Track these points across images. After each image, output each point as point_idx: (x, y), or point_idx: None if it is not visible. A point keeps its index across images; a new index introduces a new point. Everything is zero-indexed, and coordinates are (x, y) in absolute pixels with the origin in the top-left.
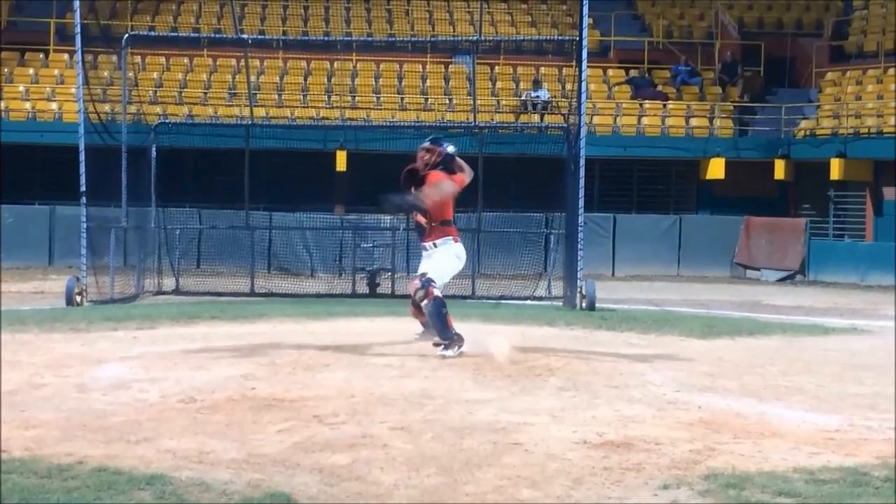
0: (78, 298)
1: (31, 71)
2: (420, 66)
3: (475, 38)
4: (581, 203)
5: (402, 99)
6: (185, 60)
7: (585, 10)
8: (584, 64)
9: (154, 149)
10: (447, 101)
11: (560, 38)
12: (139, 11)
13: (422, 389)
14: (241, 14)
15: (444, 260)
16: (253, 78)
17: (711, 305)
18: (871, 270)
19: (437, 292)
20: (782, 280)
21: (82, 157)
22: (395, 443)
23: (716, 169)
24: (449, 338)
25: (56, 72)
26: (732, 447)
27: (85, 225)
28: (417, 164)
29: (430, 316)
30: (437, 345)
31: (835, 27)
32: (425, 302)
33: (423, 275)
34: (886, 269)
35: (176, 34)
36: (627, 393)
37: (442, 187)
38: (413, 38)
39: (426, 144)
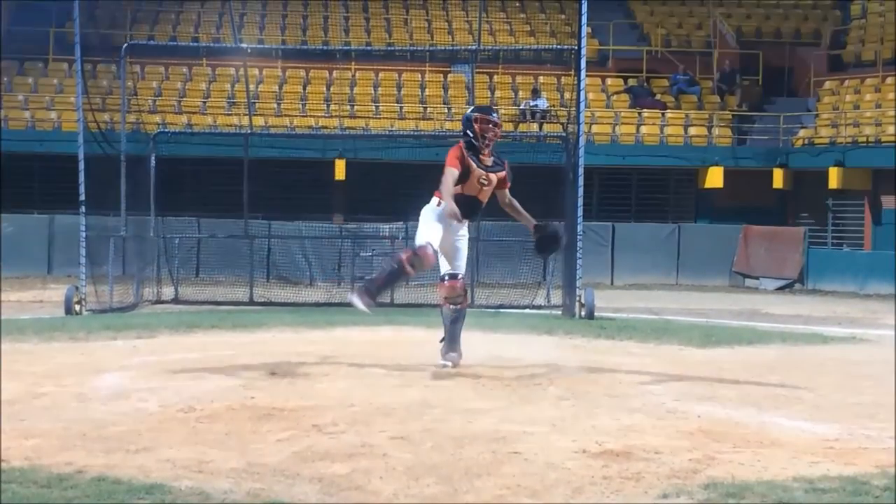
0: (77, 307)
1: (30, 80)
2: (419, 75)
3: (474, 47)
4: (580, 212)
5: (401, 108)
6: (184, 69)
7: (584, 19)
8: (583, 73)
9: (153, 158)
10: (446, 110)
11: (559, 47)
12: (138, 21)
13: (421, 399)
14: (240, 23)
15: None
16: (252, 87)
17: (710, 314)
18: (869, 279)
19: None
20: (781, 289)
21: (81, 166)
22: (395, 452)
23: (714, 178)
24: (455, 349)
25: (55, 81)
26: (732, 456)
27: (84, 234)
28: (487, 136)
29: (453, 322)
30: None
31: (833, 36)
32: (459, 307)
33: (461, 277)
34: (885, 278)
35: (175, 43)
36: (627, 402)
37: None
38: (412, 48)
39: (498, 120)
